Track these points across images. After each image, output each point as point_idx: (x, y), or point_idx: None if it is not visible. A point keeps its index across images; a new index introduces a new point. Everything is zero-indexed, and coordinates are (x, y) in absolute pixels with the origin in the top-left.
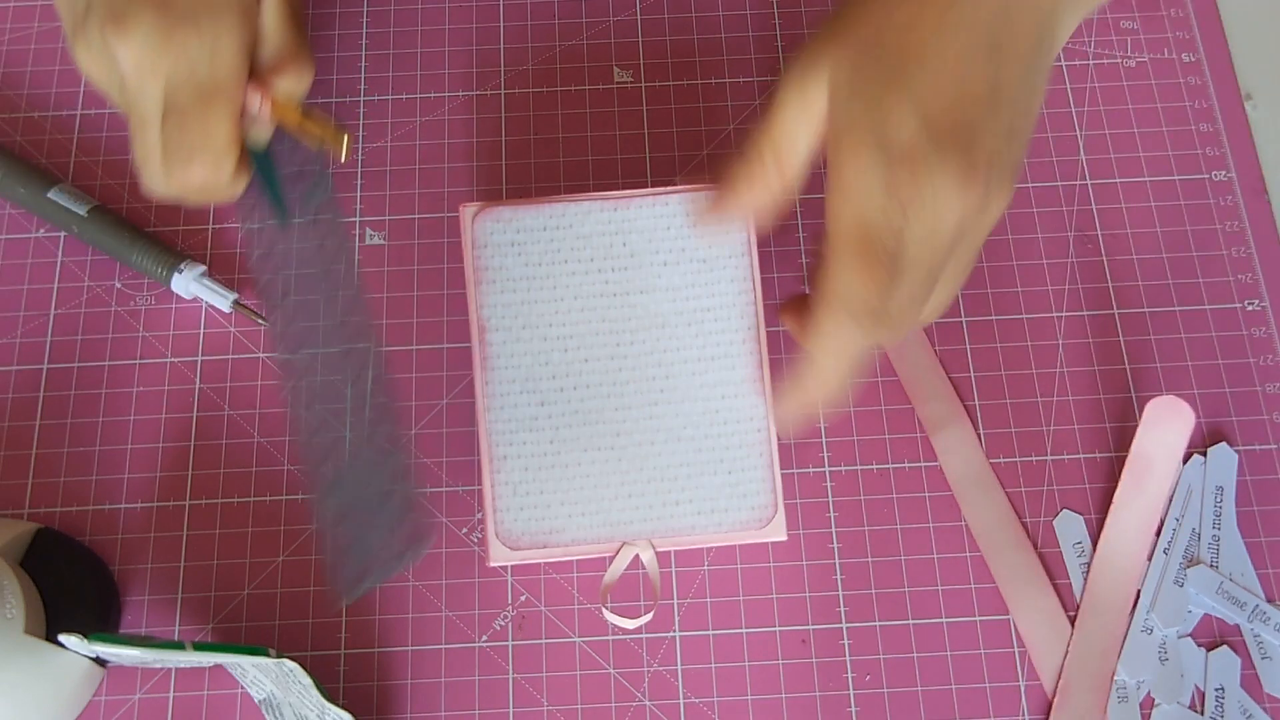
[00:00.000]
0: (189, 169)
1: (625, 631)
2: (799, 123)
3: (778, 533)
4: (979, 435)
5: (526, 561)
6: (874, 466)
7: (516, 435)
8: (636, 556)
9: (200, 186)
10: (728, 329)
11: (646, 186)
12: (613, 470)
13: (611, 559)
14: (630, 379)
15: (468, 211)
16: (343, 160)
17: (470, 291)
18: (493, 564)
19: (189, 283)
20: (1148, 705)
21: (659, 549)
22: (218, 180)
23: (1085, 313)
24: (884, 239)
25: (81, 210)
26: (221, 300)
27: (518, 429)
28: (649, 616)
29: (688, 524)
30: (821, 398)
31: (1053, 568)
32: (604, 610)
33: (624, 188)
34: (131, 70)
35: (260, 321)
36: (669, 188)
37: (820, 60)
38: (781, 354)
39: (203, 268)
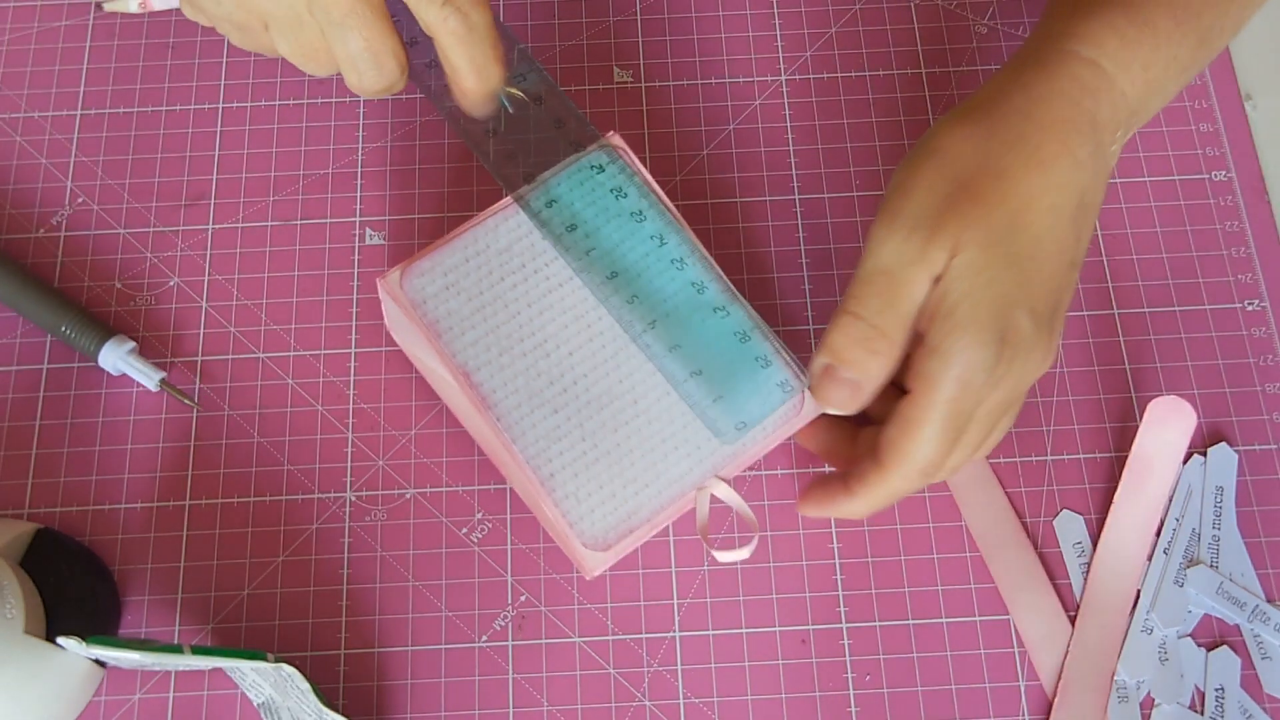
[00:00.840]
0: (347, 38)
1: (624, 629)
2: (922, 292)
3: (815, 410)
4: None
5: (623, 555)
6: None
7: (549, 449)
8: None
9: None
10: (675, 261)
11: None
12: (649, 435)
13: (694, 511)
14: (618, 349)
15: (391, 279)
16: None
17: (435, 349)
18: (594, 575)
19: (116, 360)
20: (1148, 705)
21: (729, 479)
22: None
23: (1085, 313)
24: (970, 409)
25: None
26: (148, 380)
27: (547, 444)
28: (754, 543)
29: (738, 445)
30: (847, 517)
31: (1053, 568)
32: (710, 551)
33: None
34: None
35: (188, 402)
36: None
37: (944, 233)
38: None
39: (132, 344)
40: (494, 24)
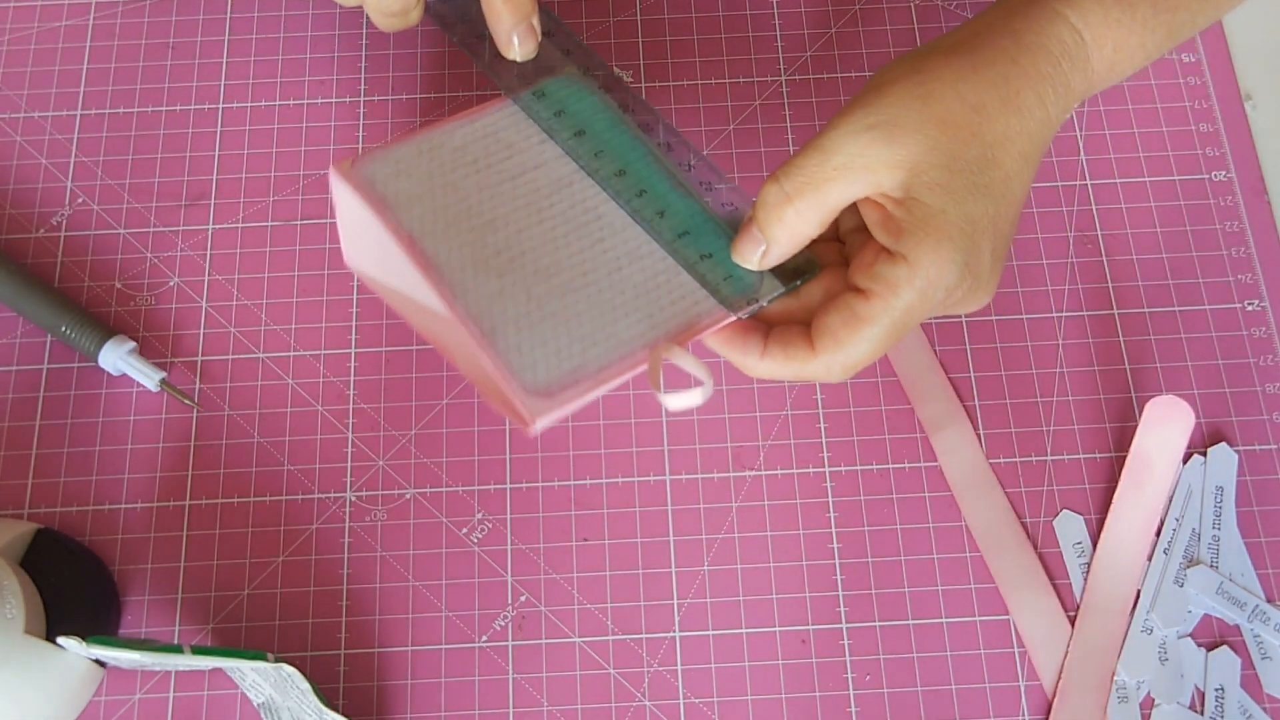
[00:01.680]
0: None
1: (624, 629)
2: (855, 189)
3: (774, 289)
4: (979, 435)
5: (568, 409)
6: (874, 466)
7: (492, 307)
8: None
9: None
10: (620, 156)
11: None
12: (598, 301)
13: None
14: (568, 230)
15: (343, 165)
16: None
17: (382, 222)
18: (535, 427)
19: (116, 360)
20: (1148, 705)
21: (681, 343)
22: None
23: (1085, 313)
24: (914, 322)
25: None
26: (148, 380)
27: (491, 302)
28: (707, 388)
29: (689, 316)
30: (741, 369)
31: (1053, 568)
32: (660, 395)
33: None
34: None
35: (188, 402)
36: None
37: (900, 145)
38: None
39: (132, 344)
40: None
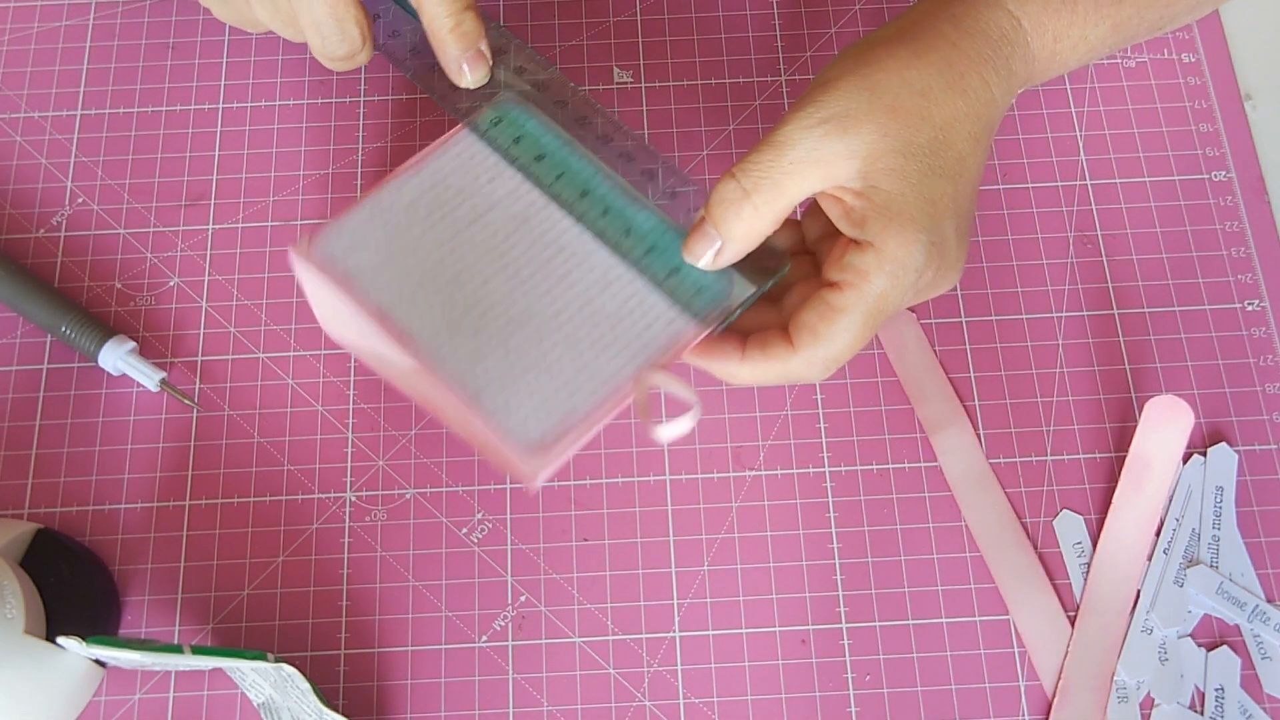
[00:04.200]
0: (311, 3)
1: (624, 629)
2: (811, 184)
3: (745, 290)
4: (979, 435)
5: (565, 457)
6: (874, 466)
7: (473, 368)
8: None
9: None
10: (580, 177)
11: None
12: (574, 340)
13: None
14: (532, 270)
15: (300, 246)
16: None
17: (349, 298)
18: (536, 481)
19: (116, 360)
20: (1148, 705)
21: (664, 366)
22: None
23: (1085, 313)
24: (890, 309)
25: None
26: (148, 380)
27: (471, 363)
28: (695, 414)
29: (667, 337)
30: (725, 379)
31: (1053, 568)
32: (653, 428)
33: None
34: None
35: (188, 402)
36: (444, 137)
37: (853, 136)
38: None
39: (132, 344)
40: None
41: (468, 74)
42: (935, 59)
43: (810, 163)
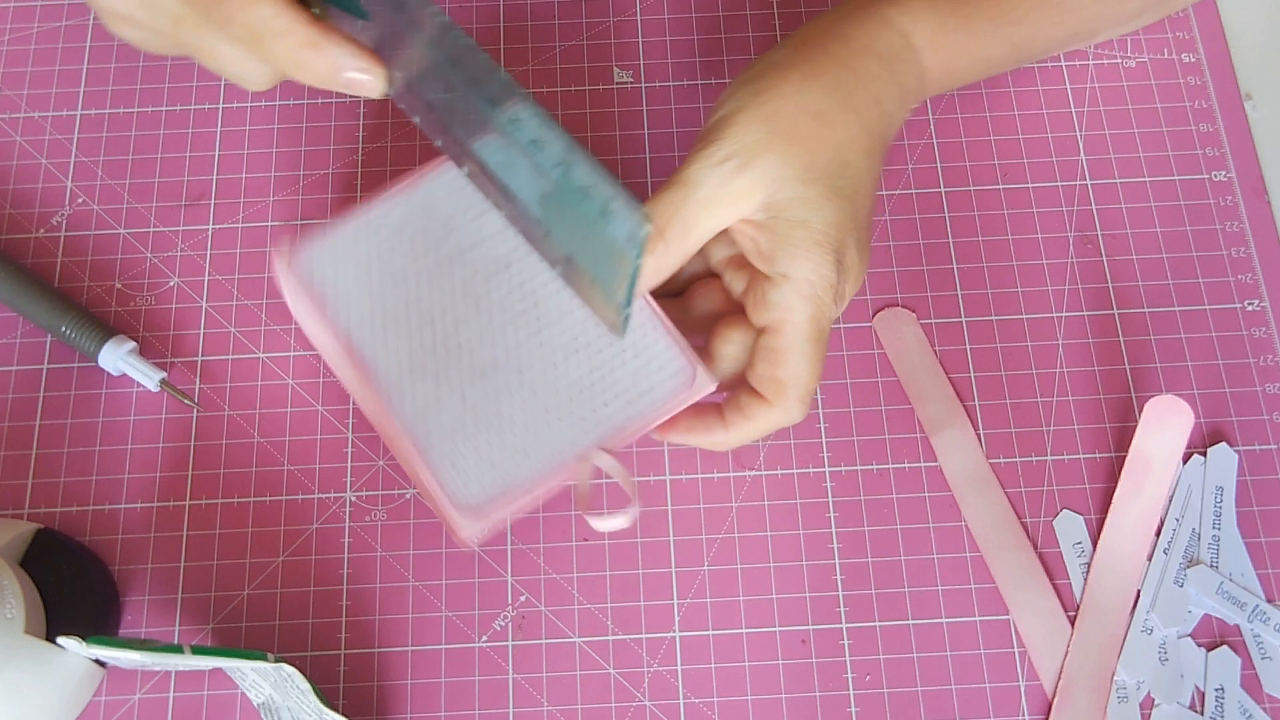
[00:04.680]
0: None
1: (624, 629)
2: (719, 220)
3: (706, 386)
4: (979, 435)
5: (499, 523)
6: (874, 466)
7: (428, 417)
8: (599, 471)
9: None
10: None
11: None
12: (532, 405)
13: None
14: (505, 321)
15: (281, 255)
16: None
17: (321, 321)
18: (468, 541)
19: (116, 360)
20: (1148, 705)
21: (612, 452)
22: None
23: (1085, 313)
24: (825, 328)
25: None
26: (148, 380)
27: (426, 411)
28: (632, 511)
29: (623, 418)
30: (712, 448)
31: (1053, 568)
32: (587, 517)
33: None
34: None
35: (188, 402)
36: (439, 161)
37: (756, 169)
38: None
39: (132, 344)
40: None
41: (368, 93)
42: (827, 81)
43: (716, 200)
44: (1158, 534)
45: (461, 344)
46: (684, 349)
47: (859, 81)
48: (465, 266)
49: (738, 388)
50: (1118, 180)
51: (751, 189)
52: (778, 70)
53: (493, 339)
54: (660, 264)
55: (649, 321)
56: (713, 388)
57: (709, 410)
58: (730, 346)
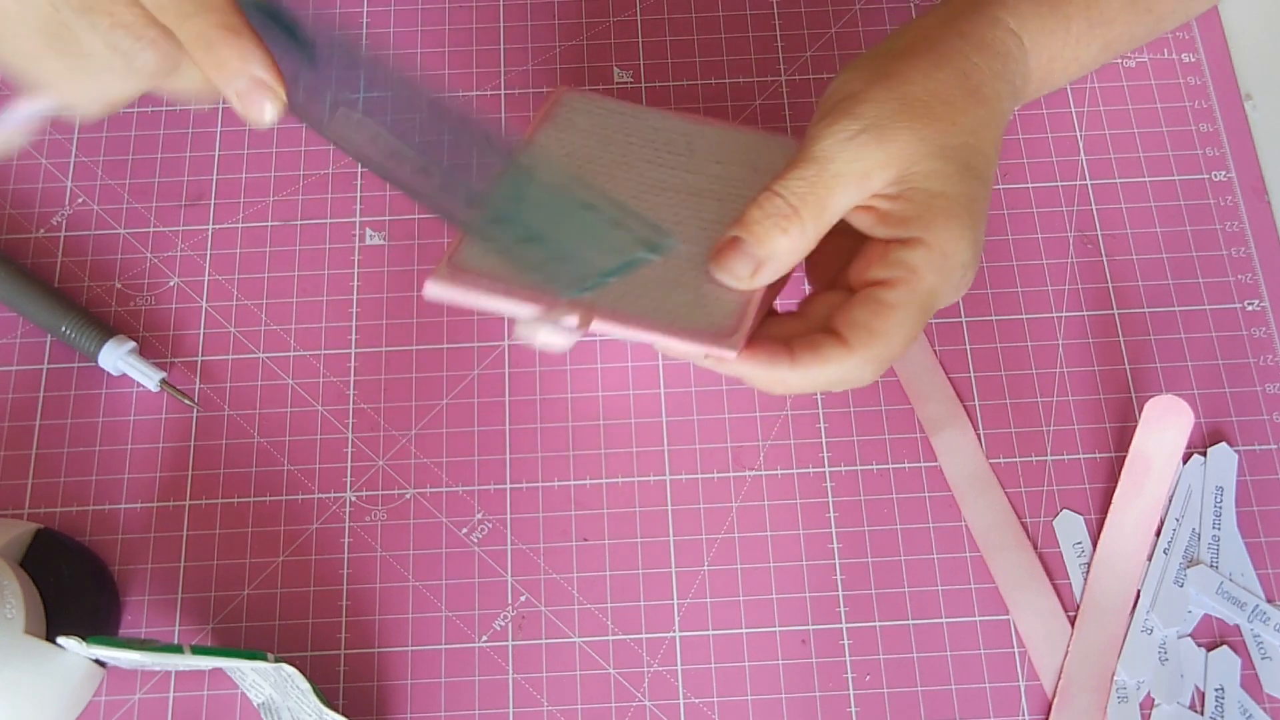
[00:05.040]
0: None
1: (624, 629)
2: (852, 196)
3: (728, 351)
4: (979, 436)
5: (461, 297)
6: (874, 466)
7: (527, 185)
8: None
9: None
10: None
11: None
12: (583, 253)
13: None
14: (645, 210)
15: (561, 89)
16: None
17: (534, 124)
18: (429, 292)
19: (116, 360)
20: (1148, 705)
21: (597, 325)
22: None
23: (1085, 313)
24: (937, 305)
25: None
26: (148, 380)
27: (535, 186)
28: (574, 334)
29: (639, 310)
30: (771, 388)
31: (1053, 568)
32: (518, 326)
33: None
34: None
35: (188, 402)
36: (750, 126)
37: (893, 144)
38: None
39: (132, 344)
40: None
41: (255, 112)
42: (953, 71)
43: (851, 175)
44: (1158, 534)
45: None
46: (748, 314)
47: (983, 76)
48: (663, 172)
49: (812, 334)
50: (1118, 180)
51: (886, 163)
52: (902, 58)
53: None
54: (796, 245)
55: (741, 292)
56: (732, 355)
57: (777, 347)
58: (823, 307)
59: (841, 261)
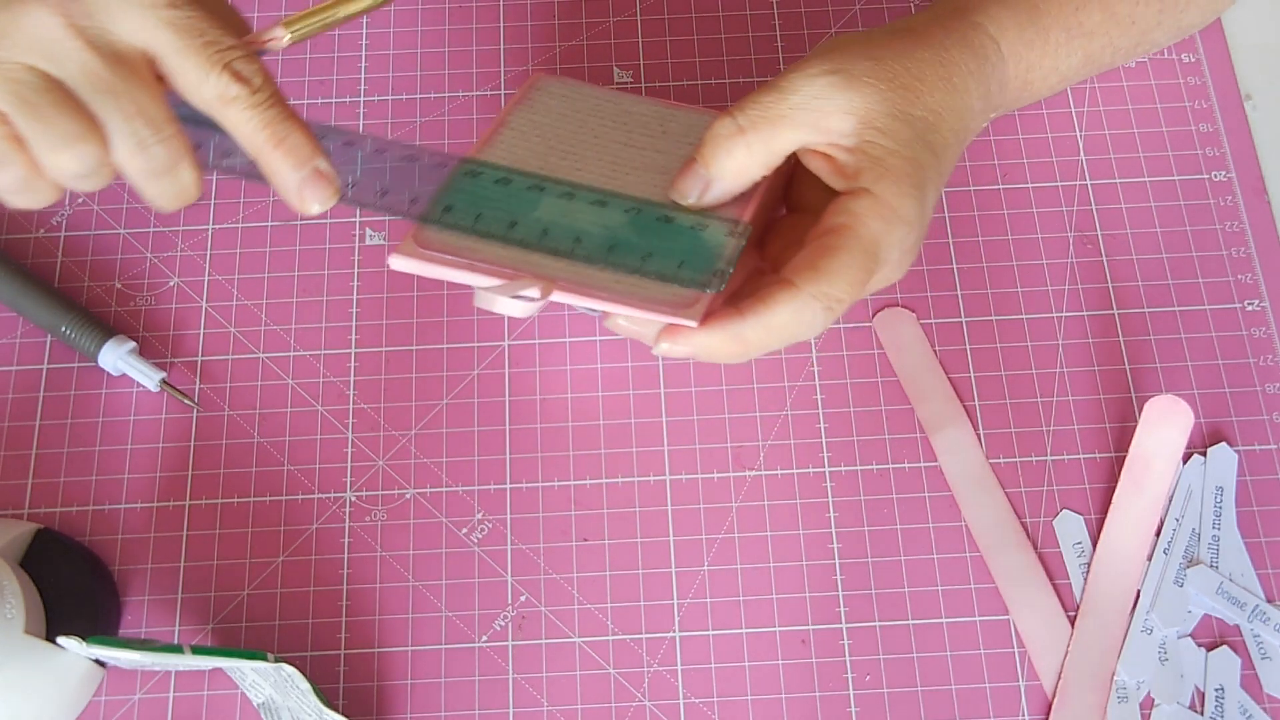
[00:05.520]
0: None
1: (624, 629)
2: (806, 133)
3: (690, 319)
4: (979, 435)
5: (424, 268)
6: (874, 466)
7: (478, 167)
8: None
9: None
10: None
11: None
12: (548, 212)
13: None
14: (618, 189)
15: (536, 75)
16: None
17: (503, 109)
18: (392, 263)
19: (116, 360)
20: (1148, 705)
21: (558, 296)
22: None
23: (1085, 313)
24: (882, 257)
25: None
26: (148, 380)
27: (481, 167)
28: (537, 303)
29: (594, 271)
30: (733, 358)
31: (1053, 568)
32: (478, 292)
33: None
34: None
35: (188, 402)
36: (718, 109)
37: (856, 93)
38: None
39: (132, 344)
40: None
41: (309, 199)
42: (930, 55)
43: (809, 110)
44: (1158, 534)
45: (564, 180)
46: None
47: (957, 68)
48: (635, 153)
49: (758, 285)
50: (1118, 180)
51: (848, 109)
52: (885, 34)
53: (589, 196)
54: (740, 165)
55: (689, 217)
56: (694, 324)
57: (725, 309)
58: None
59: (789, 239)
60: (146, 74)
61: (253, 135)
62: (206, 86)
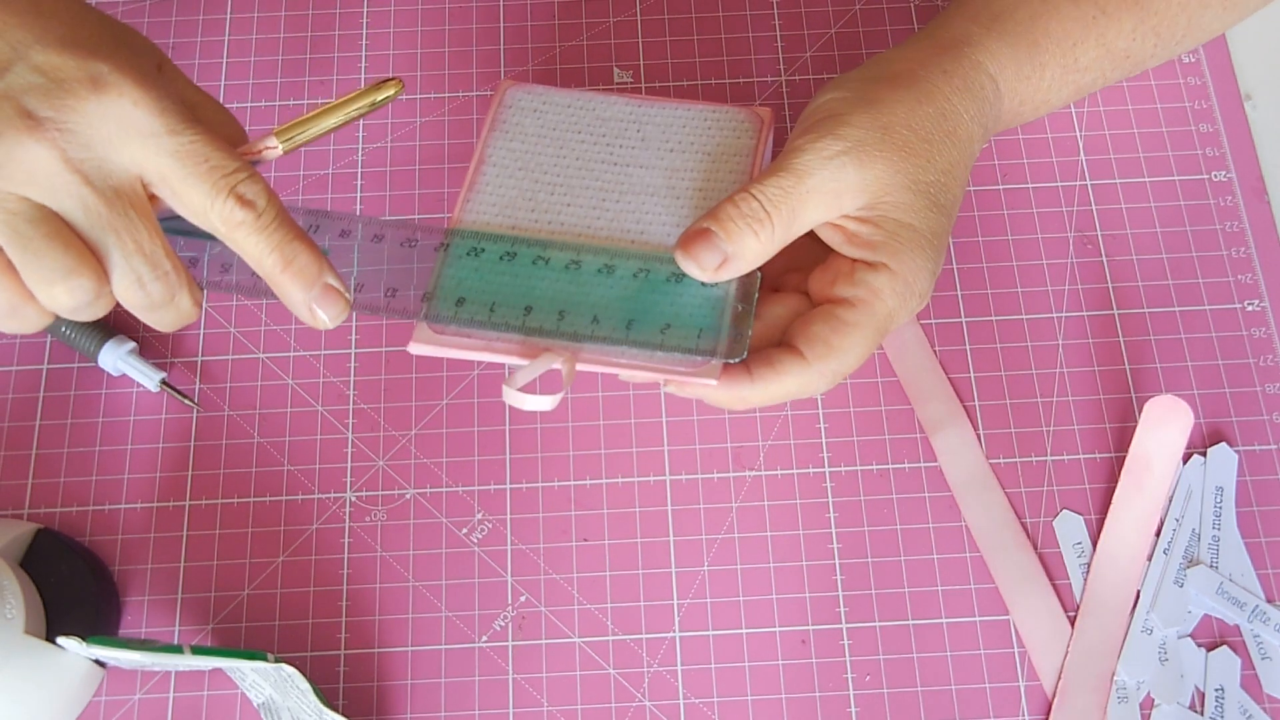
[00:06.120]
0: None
1: (624, 630)
2: (823, 212)
3: (710, 374)
4: (979, 436)
5: (444, 351)
6: (874, 467)
7: (477, 242)
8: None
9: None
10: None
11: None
12: (559, 288)
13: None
14: (605, 227)
15: (504, 84)
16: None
17: (482, 136)
18: (412, 349)
19: (116, 360)
20: (1148, 705)
21: (581, 367)
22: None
23: (1085, 313)
24: (893, 327)
25: None
26: (148, 380)
27: (480, 241)
28: (558, 396)
29: (617, 349)
30: (730, 404)
31: (1053, 568)
32: (505, 389)
33: None
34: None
35: (188, 402)
36: (692, 100)
37: (869, 171)
38: None
39: (132, 344)
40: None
41: (321, 316)
42: (934, 110)
43: (825, 192)
44: (1158, 534)
45: (555, 219)
46: (721, 339)
47: (959, 119)
48: (620, 173)
49: (764, 349)
50: (1118, 180)
51: (861, 188)
52: (887, 86)
53: (579, 232)
54: (763, 248)
55: (717, 304)
56: (713, 383)
57: (735, 370)
58: (780, 309)
59: (789, 264)
60: (143, 205)
61: (261, 259)
62: (213, 213)
